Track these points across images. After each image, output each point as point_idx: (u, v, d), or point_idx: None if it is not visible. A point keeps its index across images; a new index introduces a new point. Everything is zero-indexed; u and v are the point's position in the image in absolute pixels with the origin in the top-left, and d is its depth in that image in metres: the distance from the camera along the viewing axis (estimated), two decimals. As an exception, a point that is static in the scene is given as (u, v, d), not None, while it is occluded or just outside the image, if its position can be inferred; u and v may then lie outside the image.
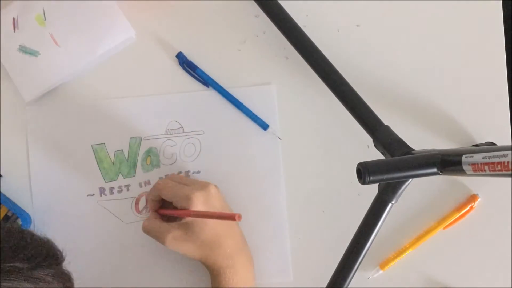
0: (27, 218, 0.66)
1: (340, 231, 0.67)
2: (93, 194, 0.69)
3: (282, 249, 0.68)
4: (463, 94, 0.70)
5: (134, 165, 0.69)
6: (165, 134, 0.69)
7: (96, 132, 0.69)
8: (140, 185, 0.69)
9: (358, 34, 0.71)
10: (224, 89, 0.69)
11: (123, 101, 0.69)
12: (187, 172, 0.69)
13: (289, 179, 0.69)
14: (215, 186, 0.64)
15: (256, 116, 0.69)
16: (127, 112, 0.69)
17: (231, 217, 0.56)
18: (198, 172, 0.69)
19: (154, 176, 0.69)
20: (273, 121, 0.69)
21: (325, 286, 0.62)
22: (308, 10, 0.70)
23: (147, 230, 0.64)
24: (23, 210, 0.67)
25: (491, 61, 0.70)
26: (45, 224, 0.68)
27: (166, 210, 0.65)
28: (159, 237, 0.63)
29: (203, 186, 0.63)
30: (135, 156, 0.69)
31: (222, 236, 0.62)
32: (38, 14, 0.68)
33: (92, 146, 0.69)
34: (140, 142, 0.69)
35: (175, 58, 0.70)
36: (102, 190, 0.69)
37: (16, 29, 0.68)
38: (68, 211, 0.69)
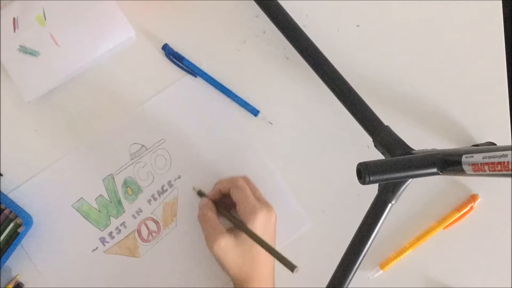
0: (27, 218, 0.66)
1: (340, 231, 0.67)
2: (96, 248, 0.68)
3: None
4: (463, 94, 0.70)
5: (119, 202, 0.69)
6: (131, 160, 0.69)
7: (69, 191, 0.68)
8: (134, 216, 0.69)
9: (358, 34, 0.71)
10: (213, 79, 0.69)
11: (75, 153, 0.68)
12: (169, 181, 0.69)
13: (288, 179, 0.69)
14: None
15: (245, 102, 0.69)
16: (86, 159, 0.69)
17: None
18: (179, 177, 0.69)
19: (141, 202, 0.69)
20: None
21: (325, 286, 0.62)
22: (308, 10, 0.70)
23: (202, 221, 0.63)
24: (23, 210, 0.67)
25: (491, 61, 0.70)
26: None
27: (227, 212, 0.64)
28: (209, 237, 0.61)
29: (270, 208, 0.63)
30: (115, 194, 0.69)
31: (262, 262, 0.62)
32: (38, 14, 0.68)
33: (72, 206, 0.68)
34: (113, 178, 0.69)
35: (168, 56, 0.70)
36: (103, 240, 0.68)
37: (16, 29, 0.68)
38: (77, 270, 0.68)
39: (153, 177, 0.69)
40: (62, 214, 0.68)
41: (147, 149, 0.69)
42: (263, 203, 0.63)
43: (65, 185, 0.68)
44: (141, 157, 0.69)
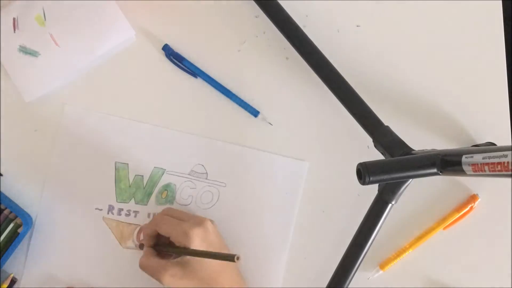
0: (27, 218, 0.66)
1: (340, 231, 0.67)
2: (101, 209, 0.68)
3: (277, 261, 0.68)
4: (463, 94, 0.70)
5: (149, 195, 0.69)
6: (188, 174, 0.69)
7: (122, 150, 0.69)
8: (149, 216, 0.69)
9: (358, 34, 0.71)
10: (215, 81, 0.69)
11: (157, 129, 0.69)
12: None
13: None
14: (212, 221, 0.64)
15: (245, 103, 0.69)
16: (157, 140, 0.69)
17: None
18: (211, 222, 0.68)
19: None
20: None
21: (325, 286, 0.62)
22: (308, 10, 0.70)
23: (144, 267, 0.63)
24: (23, 210, 0.67)
25: (491, 61, 0.70)
26: (46, 227, 0.68)
27: (164, 247, 0.65)
28: (156, 275, 0.62)
29: (200, 221, 0.62)
30: (153, 186, 0.69)
31: (219, 272, 0.62)
32: (38, 14, 0.68)
33: (115, 163, 0.69)
34: (163, 174, 0.69)
35: (169, 56, 0.70)
36: (111, 208, 0.68)
37: (16, 29, 0.68)
38: (72, 218, 0.68)
39: (190, 203, 0.69)
40: (100, 162, 0.68)
41: (207, 179, 0.69)
42: (192, 221, 0.63)
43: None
44: (196, 180, 0.69)
